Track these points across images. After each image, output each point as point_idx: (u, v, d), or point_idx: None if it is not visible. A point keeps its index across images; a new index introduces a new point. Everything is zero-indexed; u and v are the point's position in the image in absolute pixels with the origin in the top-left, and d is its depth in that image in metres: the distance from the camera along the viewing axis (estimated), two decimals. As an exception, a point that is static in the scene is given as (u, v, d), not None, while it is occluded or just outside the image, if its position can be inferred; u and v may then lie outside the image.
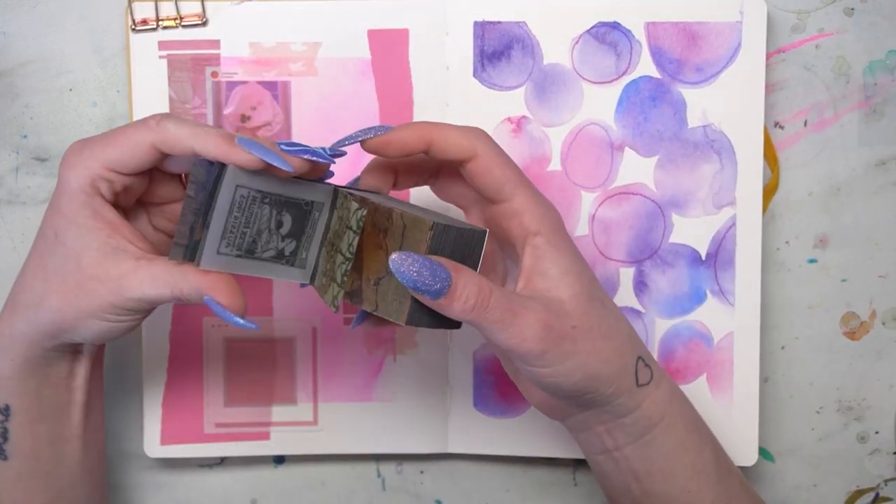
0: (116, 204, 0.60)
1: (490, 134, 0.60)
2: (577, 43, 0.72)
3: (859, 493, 0.76)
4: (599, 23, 0.71)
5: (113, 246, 0.59)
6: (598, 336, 0.59)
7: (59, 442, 0.64)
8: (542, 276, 0.59)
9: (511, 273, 0.63)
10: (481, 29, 0.71)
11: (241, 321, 0.57)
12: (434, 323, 0.57)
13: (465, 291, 0.55)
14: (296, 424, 0.74)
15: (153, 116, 0.58)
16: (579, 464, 0.76)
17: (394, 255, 0.55)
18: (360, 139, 0.58)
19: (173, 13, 0.71)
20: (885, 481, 0.76)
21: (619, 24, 0.71)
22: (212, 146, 0.56)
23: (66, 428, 0.64)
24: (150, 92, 0.72)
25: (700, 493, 0.62)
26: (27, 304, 0.60)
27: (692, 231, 0.72)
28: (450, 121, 0.72)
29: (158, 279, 0.58)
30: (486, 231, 0.58)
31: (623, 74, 0.72)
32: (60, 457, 0.64)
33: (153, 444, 0.73)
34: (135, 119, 0.71)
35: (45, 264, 0.60)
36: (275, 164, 0.56)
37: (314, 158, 0.57)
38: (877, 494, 0.76)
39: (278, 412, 0.74)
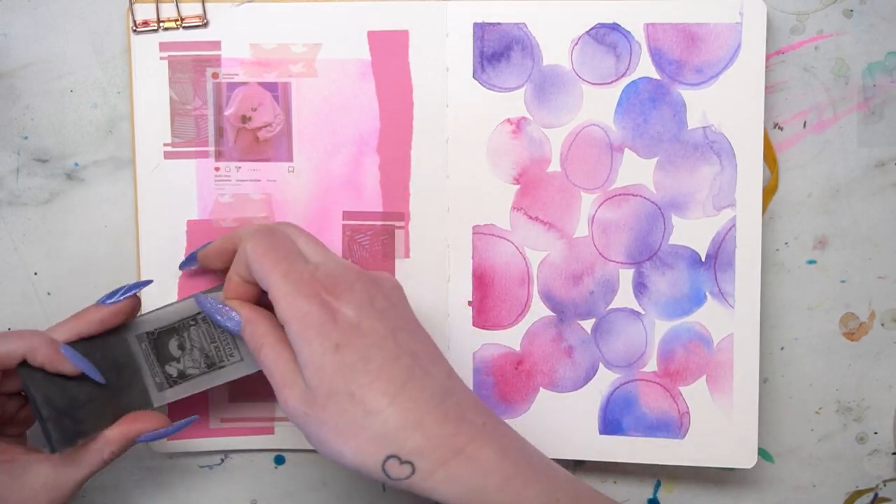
0: None
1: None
2: (576, 44, 0.71)
3: (858, 493, 0.76)
4: (599, 24, 0.71)
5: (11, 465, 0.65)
6: (330, 430, 0.59)
7: None
8: (297, 355, 0.61)
9: None
10: (481, 30, 0.71)
11: (178, 425, 0.67)
12: None
13: (251, 338, 0.63)
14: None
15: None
16: (579, 464, 0.76)
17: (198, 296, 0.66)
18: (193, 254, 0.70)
19: (174, 14, 0.71)
20: (885, 482, 0.76)
21: (618, 25, 0.71)
22: (39, 361, 0.64)
23: None
24: (151, 93, 0.72)
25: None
26: None
27: (692, 232, 0.72)
28: (450, 121, 0.72)
29: (80, 460, 0.65)
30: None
31: (623, 76, 0.72)
32: None
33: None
34: (136, 120, 0.72)
35: None
36: (90, 375, 0.65)
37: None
38: (876, 495, 0.76)
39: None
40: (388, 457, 0.58)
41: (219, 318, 0.64)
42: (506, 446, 0.60)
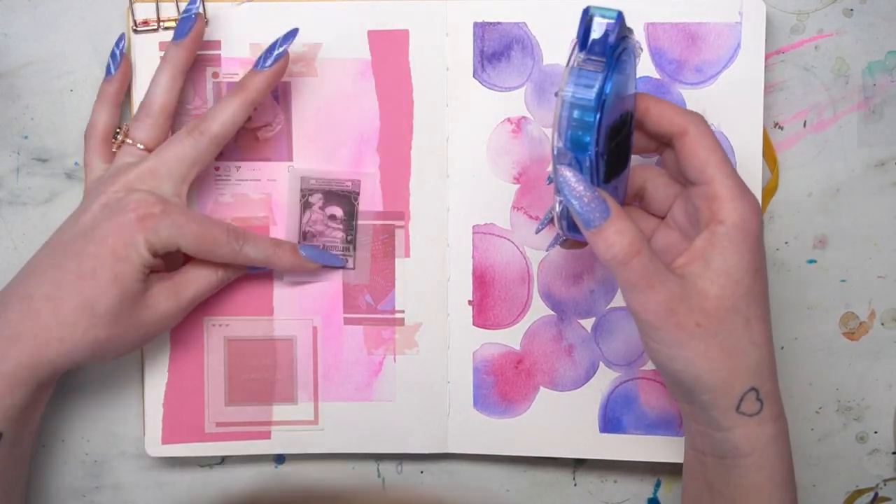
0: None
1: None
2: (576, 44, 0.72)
3: (858, 493, 0.76)
4: None
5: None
6: (716, 345, 0.58)
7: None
8: (704, 262, 0.59)
9: (668, 238, 0.64)
10: (481, 29, 0.71)
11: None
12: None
13: (615, 238, 0.57)
14: (296, 423, 0.74)
15: (235, 235, 0.68)
16: (579, 463, 0.76)
17: (566, 171, 0.57)
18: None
19: (174, 14, 0.71)
20: (885, 481, 0.76)
21: None
22: (287, 267, 0.71)
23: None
24: None
25: None
26: (46, 338, 0.64)
27: None
28: (450, 121, 0.72)
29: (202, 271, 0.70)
30: None
31: None
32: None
33: (154, 443, 0.73)
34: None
35: (84, 301, 0.64)
36: (333, 264, 0.72)
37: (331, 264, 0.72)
38: (876, 494, 0.76)
39: (279, 411, 0.74)
40: (751, 388, 0.60)
41: (584, 203, 0.58)
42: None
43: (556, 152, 0.58)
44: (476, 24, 0.71)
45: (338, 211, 0.72)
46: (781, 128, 0.73)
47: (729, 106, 0.71)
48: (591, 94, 0.57)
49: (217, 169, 0.72)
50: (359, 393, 0.74)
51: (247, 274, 0.71)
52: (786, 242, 0.74)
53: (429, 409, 0.74)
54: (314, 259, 0.71)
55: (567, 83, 0.57)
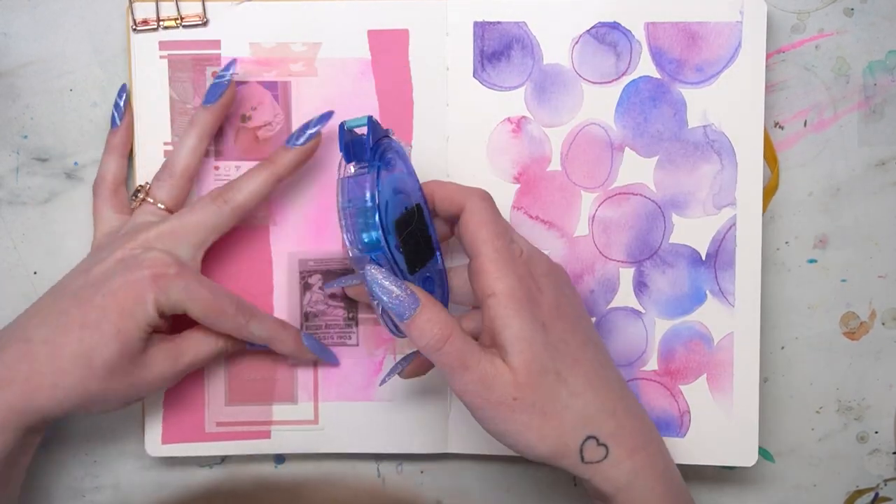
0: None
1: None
2: (576, 43, 0.72)
3: (859, 493, 0.76)
4: (599, 23, 0.71)
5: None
6: (537, 413, 0.59)
7: None
8: (497, 338, 0.60)
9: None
10: (481, 29, 0.71)
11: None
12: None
13: (427, 327, 0.59)
14: (297, 423, 0.74)
15: (242, 310, 0.67)
16: None
17: (372, 270, 0.59)
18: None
19: (174, 13, 0.71)
20: (885, 481, 0.76)
21: (618, 24, 0.71)
22: (287, 351, 0.70)
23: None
24: (151, 92, 0.72)
25: None
26: (39, 383, 0.63)
27: (692, 231, 0.72)
28: (450, 120, 0.72)
29: (204, 339, 0.69)
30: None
31: (623, 75, 0.72)
32: None
33: (154, 443, 0.73)
34: (136, 119, 0.72)
35: (83, 351, 0.63)
36: (329, 361, 0.73)
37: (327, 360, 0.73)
38: (876, 494, 0.76)
39: (279, 411, 0.74)
40: (588, 437, 0.60)
41: (392, 297, 0.59)
42: (668, 459, 0.64)
43: (354, 261, 0.61)
44: (476, 24, 0.71)
45: (338, 289, 0.73)
46: (782, 127, 0.73)
47: (729, 105, 0.71)
48: (366, 195, 0.60)
49: (217, 169, 0.72)
50: (359, 393, 0.74)
51: (246, 350, 0.71)
52: (786, 242, 0.74)
53: (429, 409, 0.74)
54: (313, 351, 0.71)
55: (341, 195, 0.61)
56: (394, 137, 0.64)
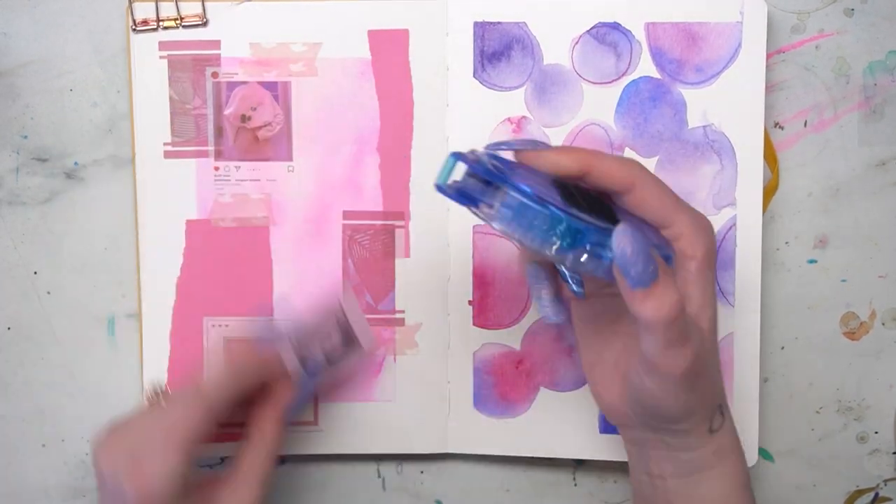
0: None
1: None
2: (577, 43, 0.72)
3: (859, 493, 0.76)
4: (599, 23, 0.72)
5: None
6: (708, 377, 0.60)
7: None
8: (688, 301, 0.59)
9: None
10: (481, 29, 0.72)
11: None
12: None
13: (664, 298, 0.55)
14: (296, 424, 0.74)
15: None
16: (579, 464, 0.76)
17: (622, 227, 0.54)
18: (516, 148, 0.58)
19: (174, 14, 0.72)
20: (885, 481, 0.76)
21: (619, 24, 0.72)
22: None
23: None
24: (151, 92, 0.72)
25: None
26: None
27: None
28: (450, 120, 0.72)
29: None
30: None
31: (623, 75, 0.72)
32: None
33: (154, 443, 0.73)
34: (135, 119, 0.72)
35: None
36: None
37: None
38: (876, 494, 0.76)
39: None
40: (719, 405, 0.61)
41: (640, 260, 0.55)
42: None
43: (566, 262, 0.55)
44: (476, 24, 0.72)
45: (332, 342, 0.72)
46: (782, 127, 0.73)
47: (730, 105, 0.72)
48: (518, 198, 0.54)
49: (217, 169, 0.73)
50: (359, 393, 0.74)
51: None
52: (786, 242, 0.74)
53: (429, 410, 0.74)
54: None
55: (492, 219, 0.55)
56: (479, 151, 0.58)
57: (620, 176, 0.58)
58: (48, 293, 0.75)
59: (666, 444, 0.61)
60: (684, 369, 0.57)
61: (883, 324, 0.75)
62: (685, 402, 0.59)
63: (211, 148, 0.73)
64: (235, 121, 0.72)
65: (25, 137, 0.74)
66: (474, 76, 0.72)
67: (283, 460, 0.76)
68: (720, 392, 0.61)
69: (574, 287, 0.60)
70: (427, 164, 0.73)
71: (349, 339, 0.69)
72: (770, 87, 0.73)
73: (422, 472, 0.77)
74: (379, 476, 0.77)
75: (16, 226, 0.74)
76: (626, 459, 0.72)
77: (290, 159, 0.73)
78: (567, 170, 0.57)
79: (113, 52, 0.73)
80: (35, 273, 0.75)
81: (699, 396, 0.59)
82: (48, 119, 0.74)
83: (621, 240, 0.54)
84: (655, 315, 0.55)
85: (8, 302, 0.75)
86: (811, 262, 0.75)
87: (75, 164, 0.74)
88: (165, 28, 0.72)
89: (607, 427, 0.74)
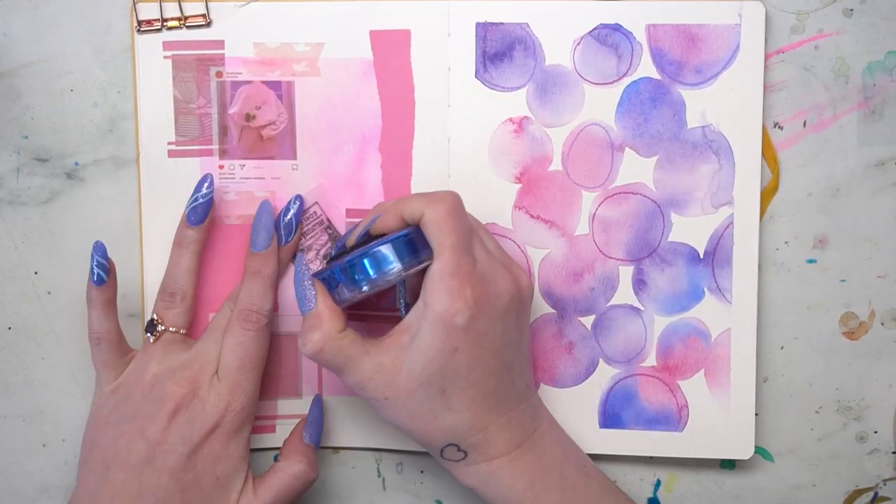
0: None
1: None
2: (578, 44, 0.73)
3: (858, 492, 0.77)
4: (601, 25, 0.73)
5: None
6: (406, 413, 0.65)
7: None
8: (410, 338, 0.64)
9: None
10: (483, 30, 0.73)
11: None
12: None
13: (310, 334, 0.65)
14: (301, 418, 0.75)
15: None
16: None
17: (298, 255, 0.68)
18: (365, 229, 0.68)
19: (177, 14, 0.72)
20: (884, 481, 0.77)
21: (620, 26, 0.73)
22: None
23: None
24: (155, 92, 0.73)
25: None
26: None
27: (690, 230, 0.73)
28: (452, 121, 0.73)
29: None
30: None
31: (624, 76, 0.73)
32: None
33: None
34: (140, 119, 0.73)
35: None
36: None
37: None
38: (876, 494, 0.77)
39: (284, 405, 0.75)
40: (450, 444, 0.66)
41: (303, 290, 0.68)
42: (544, 454, 0.68)
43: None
44: (478, 25, 0.73)
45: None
46: (781, 128, 0.74)
47: (729, 106, 0.73)
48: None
49: (221, 168, 0.74)
50: None
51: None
52: (786, 242, 0.75)
53: None
54: (265, 245, 0.72)
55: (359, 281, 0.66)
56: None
57: (413, 209, 0.65)
58: (48, 293, 0.76)
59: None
60: (353, 391, 0.67)
61: (882, 324, 0.75)
62: (386, 419, 0.67)
63: (215, 147, 0.73)
64: (240, 120, 0.73)
65: (26, 138, 0.74)
66: (476, 76, 0.73)
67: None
68: (450, 434, 0.67)
69: (402, 311, 0.68)
70: (429, 163, 0.73)
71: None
72: (769, 88, 0.73)
73: (422, 472, 0.77)
74: (379, 476, 0.77)
75: (16, 226, 0.75)
76: (625, 454, 0.75)
77: (294, 158, 0.74)
78: (397, 224, 0.67)
79: (114, 52, 0.74)
80: (35, 273, 0.75)
81: (401, 424, 0.67)
82: (49, 119, 0.74)
83: (296, 263, 0.69)
84: (302, 350, 0.68)
85: (8, 302, 0.76)
86: (810, 262, 0.75)
87: (76, 164, 0.75)
88: (169, 28, 0.72)
89: (607, 422, 0.75)
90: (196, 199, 0.71)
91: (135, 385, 0.70)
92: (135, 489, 0.67)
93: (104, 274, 0.70)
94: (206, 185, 0.71)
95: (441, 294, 0.63)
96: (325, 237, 0.74)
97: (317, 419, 0.73)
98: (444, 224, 0.64)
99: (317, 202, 0.73)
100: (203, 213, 0.71)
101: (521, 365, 0.68)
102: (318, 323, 0.66)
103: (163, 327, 0.71)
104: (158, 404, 0.68)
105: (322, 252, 0.74)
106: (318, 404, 0.74)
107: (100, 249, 0.70)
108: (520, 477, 0.68)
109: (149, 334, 0.71)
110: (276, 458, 0.74)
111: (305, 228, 0.74)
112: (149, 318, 0.72)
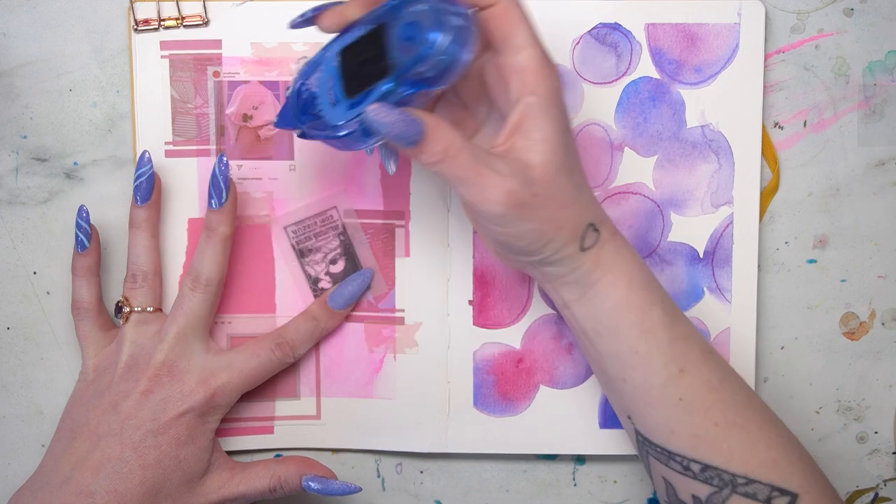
0: None
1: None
2: (577, 44, 0.73)
3: (859, 493, 0.77)
4: (600, 24, 0.73)
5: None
6: (556, 205, 0.62)
7: None
8: (523, 135, 0.61)
9: (495, 126, 0.66)
10: (482, 29, 0.73)
11: (341, 486, 0.72)
12: None
13: (435, 146, 0.60)
14: (299, 419, 0.75)
15: (281, 350, 0.73)
16: (580, 463, 0.77)
17: (372, 107, 0.59)
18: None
19: (175, 13, 0.73)
20: (885, 481, 0.77)
21: (619, 25, 0.73)
22: (333, 324, 0.75)
23: None
24: (153, 92, 0.73)
25: (649, 354, 0.64)
26: None
27: (690, 229, 0.74)
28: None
29: (258, 475, 0.72)
30: None
31: (623, 75, 0.73)
32: None
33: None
34: (137, 118, 0.73)
35: (147, 490, 0.69)
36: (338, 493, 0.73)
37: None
38: (876, 494, 0.77)
39: (282, 406, 0.75)
40: (589, 223, 0.64)
41: (400, 125, 0.60)
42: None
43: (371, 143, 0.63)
44: None
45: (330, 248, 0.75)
46: (782, 127, 0.74)
47: (727, 105, 0.73)
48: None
49: None
50: (359, 390, 0.75)
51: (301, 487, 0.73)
52: (786, 242, 0.75)
53: (429, 409, 0.75)
54: (344, 305, 0.74)
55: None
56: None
57: None
58: (48, 293, 0.76)
59: (546, 273, 0.65)
60: (502, 203, 0.61)
61: (882, 324, 0.76)
62: (527, 232, 0.62)
63: (213, 147, 0.73)
64: (237, 120, 0.73)
65: (25, 137, 0.75)
66: (475, 76, 0.73)
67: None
68: (585, 212, 0.64)
69: (390, 166, 0.65)
70: (428, 163, 0.74)
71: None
72: (770, 87, 0.74)
73: (422, 472, 0.77)
74: (378, 476, 0.77)
75: (15, 226, 0.75)
76: (626, 454, 0.74)
77: (292, 158, 0.74)
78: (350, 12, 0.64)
79: (112, 52, 0.74)
80: (35, 273, 0.76)
81: (545, 224, 0.62)
82: (48, 119, 0.74)
83: (374, 119, 0.59)
84: (430, 162, 0.60)
85: (8, 302, 0.76)
86: (811, 262, 0.75)
87: (75, 164, 0.75)
88: (167, 28, 0.73)
89: (607, 423, 0.75)
90: (138, 178, 0.71)
91: (111, 365, 0.71)
92: (97, 459, 0.68)
93: (86, 239, 0.71)
94: (144, 160, 0.71)
95: (550, 76, 0.62)
96: (336, 242, 0.74)
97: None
98: (522, 15, 0.63)
99: (335, 206, 0.73)
100: (147, 190, 0.71)
101: None
102: (439, 130, 0.61)
103: (128, 309, 0.72)
104: (133, 383, 0.70)
105: (329, 257, 0.74)
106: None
107: (83, 214, 0.72)
108: (635, 262, 0.66)
109: (118, 317, 0.72)
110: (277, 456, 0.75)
111: (318, 230, 0.74)
112: (115, 303, 0.73)
